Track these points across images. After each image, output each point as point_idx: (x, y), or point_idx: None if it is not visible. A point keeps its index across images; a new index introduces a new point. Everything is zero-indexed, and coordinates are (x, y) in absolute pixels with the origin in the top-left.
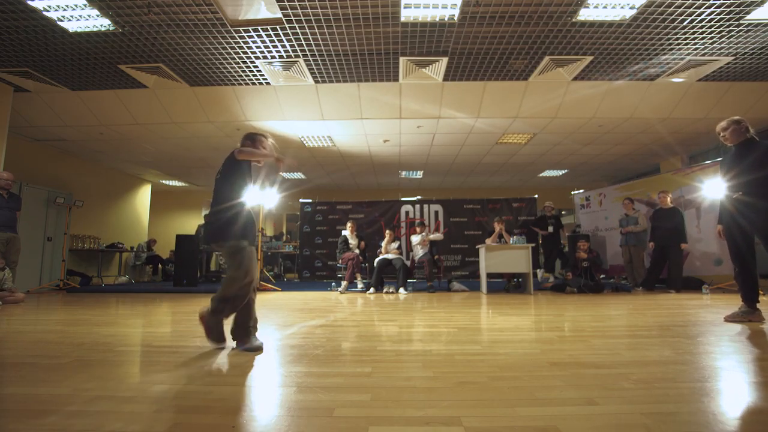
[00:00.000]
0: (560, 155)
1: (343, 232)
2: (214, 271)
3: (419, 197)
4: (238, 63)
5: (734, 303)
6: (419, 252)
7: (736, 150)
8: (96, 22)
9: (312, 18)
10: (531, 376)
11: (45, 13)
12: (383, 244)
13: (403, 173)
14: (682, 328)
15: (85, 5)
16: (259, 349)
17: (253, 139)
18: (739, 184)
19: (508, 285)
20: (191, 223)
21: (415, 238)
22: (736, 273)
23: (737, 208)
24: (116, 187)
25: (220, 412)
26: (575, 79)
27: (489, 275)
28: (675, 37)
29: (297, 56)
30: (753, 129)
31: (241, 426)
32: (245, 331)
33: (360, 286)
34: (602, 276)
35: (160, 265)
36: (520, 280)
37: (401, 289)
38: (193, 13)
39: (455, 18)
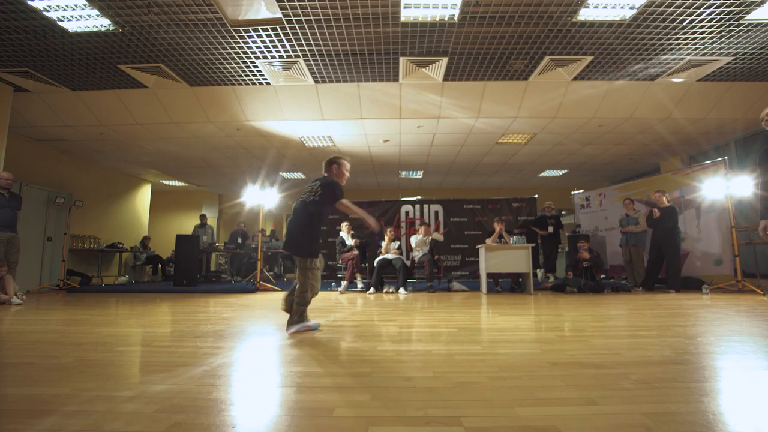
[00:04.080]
0: (560, 155)
1: (341, 234)
2: (214, 272)
3: (419, 197)
4: (238, 63)
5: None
6: (419, 252)
7: None
8: (96, 22)
9: (312, 18)
10: (531, 376)
11: (45, 13)
12: (383, 244)
13: (403, 173)
14: (682, 328)
15: (85, 5)
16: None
17: (339, 164)
18: None
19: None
20: (191, 223)
21: (415, 239)
22: None
23: None
24: (116, 187)
25: (220, 412)
26: (575, 79)
27: (493, 275)
28: (675, 37)
29: (297, 56)
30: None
31: (241, 426)
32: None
33: (360, 286)
34: (602, 276)
35: (160, 265)
36: (519, 280)
37: (401, 289)
38: (193, 13)
39: (455, 18)
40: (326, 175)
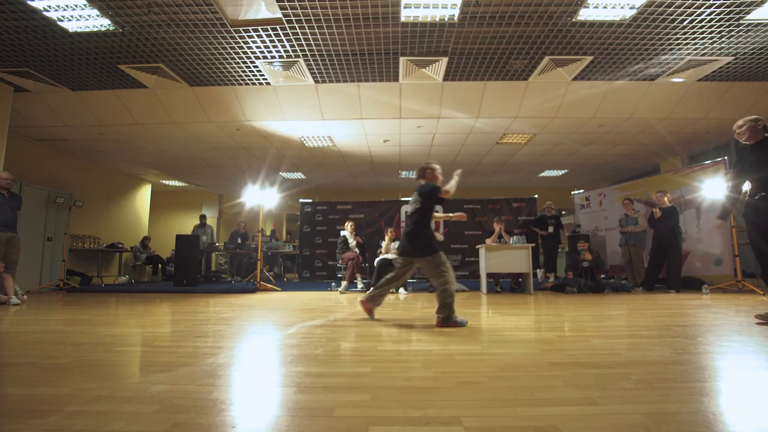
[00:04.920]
0: (560, 155)
1: (342, 233)
2: (214, 272)
3: None
4: (238, 63)
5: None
6: None
7: (753, 149)
8: (96, 22)
9: (312, 18)
10: (531, 376)
11: (45, 13)
12: (383, 244)
13: (403, 173)
14: (682, 328)
15: (85, 5)
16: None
17: (432, 169)
18: (760, 185)
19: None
20: (191, 223)
21: None
22: (762, 273)
23: (757, 208)
24: (116, 187)
25: (220, 412)
26: (575, 79)
27: (493, 275)
28: (675, 37)
29: (297, 56)
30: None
31: (241, 426)
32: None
33: (360, 286)
34: (602, 276)
35: (160, 265)
36: (519, 280)
37: (401, 289)
38: (193, 13)
39: (455, 18)
40: (422, 181)
